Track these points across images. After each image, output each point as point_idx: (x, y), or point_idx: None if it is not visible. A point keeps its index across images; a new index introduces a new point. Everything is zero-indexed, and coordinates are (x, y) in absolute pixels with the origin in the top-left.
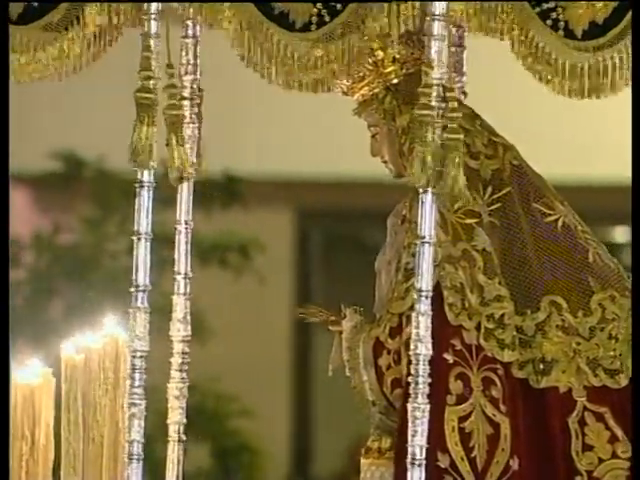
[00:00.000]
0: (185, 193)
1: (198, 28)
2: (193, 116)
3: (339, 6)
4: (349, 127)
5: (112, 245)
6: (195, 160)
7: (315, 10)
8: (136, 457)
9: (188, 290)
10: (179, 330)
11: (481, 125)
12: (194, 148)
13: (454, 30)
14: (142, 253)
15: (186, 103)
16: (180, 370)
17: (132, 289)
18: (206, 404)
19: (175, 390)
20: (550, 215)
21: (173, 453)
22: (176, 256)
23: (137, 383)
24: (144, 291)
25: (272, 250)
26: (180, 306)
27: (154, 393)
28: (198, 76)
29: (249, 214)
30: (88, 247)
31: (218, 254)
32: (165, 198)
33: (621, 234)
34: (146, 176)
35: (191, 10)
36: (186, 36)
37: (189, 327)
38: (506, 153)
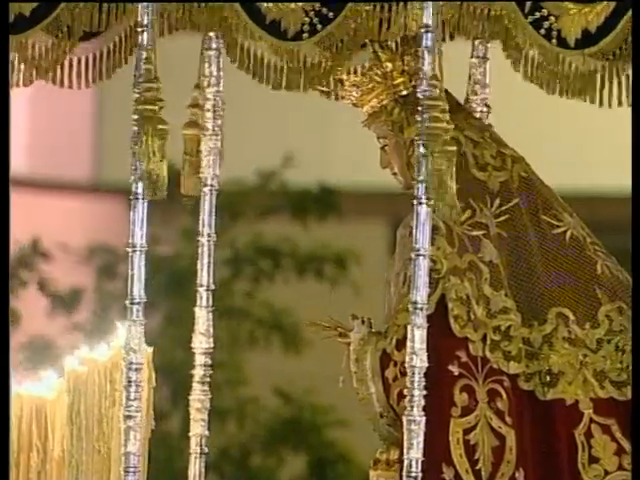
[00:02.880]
0: (207, 205)
1: (221, 41)
2: (216, 129)
3: (331, 14)
4: None
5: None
6: (218, 172)
7: (307, 19)
8: (132, 469)
9: (210, 302)
10: (201, 342)
11: (490, 137)
12: (217, 160)
13: (476, 42)
14: (137, 266)
15: (209, 115)
16: (202, 382)
17: (127, 302)
18: (303, 415)
19: (197, 402)
20: (558, 227)
21: (195, 466)
22: (198, 269)
23: (133, 395)
24: (139, 304)
25: (368, 261)
26: (202, 319)
27: (253, 404)
28: (221, 88)
29: (345, 225)
30: (185, 258)
31: (314, 265)
32: (263, 210)
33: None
34: (140, 188)
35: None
36: (209, 48)
37: (211, 339)
38: (515, 165)
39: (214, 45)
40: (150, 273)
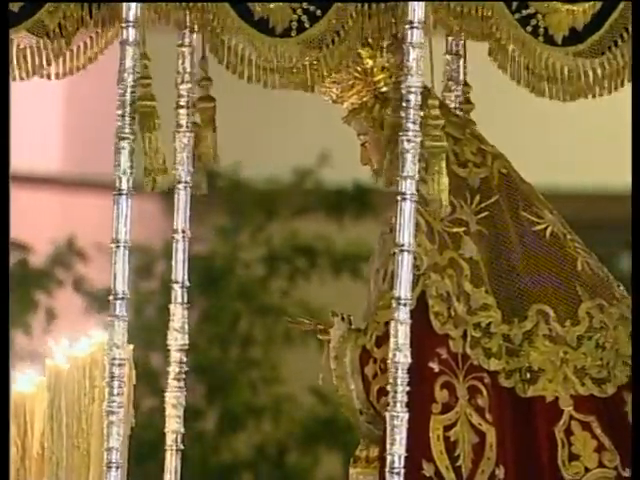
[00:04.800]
0: (182, 202)
1: (194, 36)
2: (189, 125)
3: (319, 12)
4: None
5: (245, 254)
6: (192, 169)
7: (295, 16)
8: (115, 464)
9: (185, 299)
10: (176, 339)
11: (471, 133)
12: (190, 157)
13: (450, 38)
14: (120, 262)
15: (182, 112)
16: (178, 379)
17: (111, 297)
18: (338, 414)
19: (173, 399)
20: (538, 224)
21: (171, 463)
22: (173, 265)
23: (116, 391)
24: (123, 299)
25: None
26: (177, 315)
27: (288, 402)
28: (194, 84)
29: (380, 224)
30: (221, 256)
31: (350, 264)
32: (298, 209)
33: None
34: (124, 184)
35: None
36: (182, 44)
37: (187, 336)
38: (495, 162)
39: (187, 41)
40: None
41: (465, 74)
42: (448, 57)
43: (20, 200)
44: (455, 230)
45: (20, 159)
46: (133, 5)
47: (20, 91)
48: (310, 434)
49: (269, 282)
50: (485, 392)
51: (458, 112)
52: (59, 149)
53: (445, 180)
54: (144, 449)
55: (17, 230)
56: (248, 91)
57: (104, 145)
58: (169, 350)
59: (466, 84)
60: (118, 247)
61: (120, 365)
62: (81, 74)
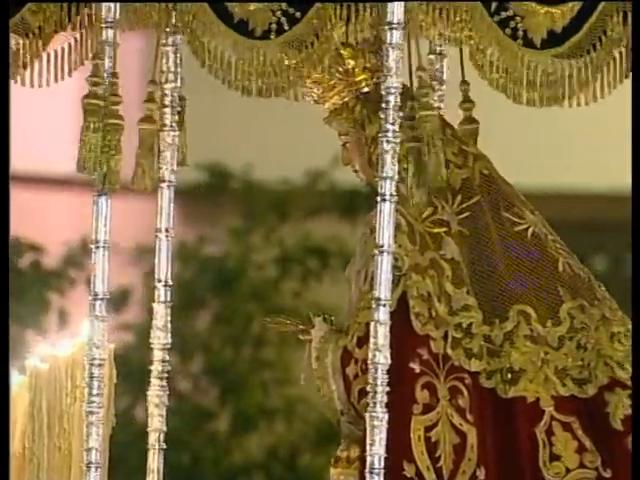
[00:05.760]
0: (165, 201)
1: (178, 36)
2: (173, 124)
3: (298, 14)
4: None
5: (258, 256)
6: (175, 168)
7: (274, 18)
8: (94, 465)
9: (168, 298)
10: (159, 338)
11: (452, 134)
12: (174, 156)
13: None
14: (100, 262)
15: (167, 111)
16: (160, 378)
17: (90, 298)
18: None
19: (155, 398)
20: (520, 224)
21: (153, 462)
22: (156, 264)
23: (95, 391)
24: (102, 300)
25: None
26: (160, 314)
27: (301, 403)
28: (179, 84)
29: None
30: (234, 258)
31: None
32: (311, 210)
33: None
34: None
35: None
36: (166, 44)
37: (169, 335)
38: (476, 162)
39: (171, 40)
40: (199, 273)
41: (463, 73)
42: (432, 57)
43: (33, 201)
44: (436, 231)
45: (33, 160)
46: (112, 6)
47: (33, 93)
48: (323, 436)
49: (282, 283)
50: (466, 393)
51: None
52: (72, 150)
53: (426, 179)
54: None
55: (30, 231)
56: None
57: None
58: (184, 352)
59: (464, 82)
60: (98, 247)
61: (100, 365)
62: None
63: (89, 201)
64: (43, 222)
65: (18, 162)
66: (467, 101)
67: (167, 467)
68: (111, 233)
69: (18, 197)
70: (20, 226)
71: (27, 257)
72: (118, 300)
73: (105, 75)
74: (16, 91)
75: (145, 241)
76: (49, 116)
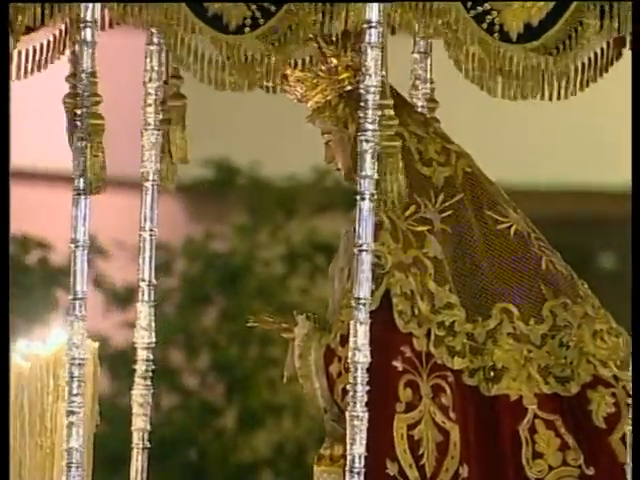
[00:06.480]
0: (149, 199)
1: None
2: (157, 123)
3: (273, 8)
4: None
5: (265, 252)
6: (159, 167)
7: (249, 12)
8: (75, 465)
9: (152, 297)
10: (143, 337)
11: (434, 132)
12: (158, 155)
13: (417, 37)
14: (79, 262)
15: (150, 110)
16: (144, 377)
17: (70, 297)
18: None
19: (139, 397)
20: (503, 222)
21: (137, 461)
22: (140, 263)
23: (75, 391)
24: (82, 299)
25: None
26: (144, 313)
27: (307, 400)
28: (162, 82)
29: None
30: (240, 255)
31: None
32: (318, 207)
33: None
34: (82, 184)
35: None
36: (150, 43)
37: (153, 334)
38: (459, 160)
39: (155, 40)
40: (205, 269)
41: (430, 72)
42: (415, 56)
43: (40, 198)
44: (419, 229)
45: (40, 157)
46: (91, 5)
47: (39, 90)
48: None
49: (288, 280)
50: (449, 391)
51: (423, 111)
52: None
53: (401, 178)
54: (165, 447)
55: (37, 228)
56: (268, 88)
57: (122, 144)
58: (190, 349)
59: (430, 82)
60: (77, 247)
61: (80, 365)
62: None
63: (97, 198)
64: (51, 219)
65: (27, 159)
66: (431, 100)
67: (175, 463)
68: (117, 230)
69: (26, 194)
70: (28, 223)
71: (34, 254)
72: (124, 297)
73: (85, 75)
74: (29, 87)
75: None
76: (53, 114)
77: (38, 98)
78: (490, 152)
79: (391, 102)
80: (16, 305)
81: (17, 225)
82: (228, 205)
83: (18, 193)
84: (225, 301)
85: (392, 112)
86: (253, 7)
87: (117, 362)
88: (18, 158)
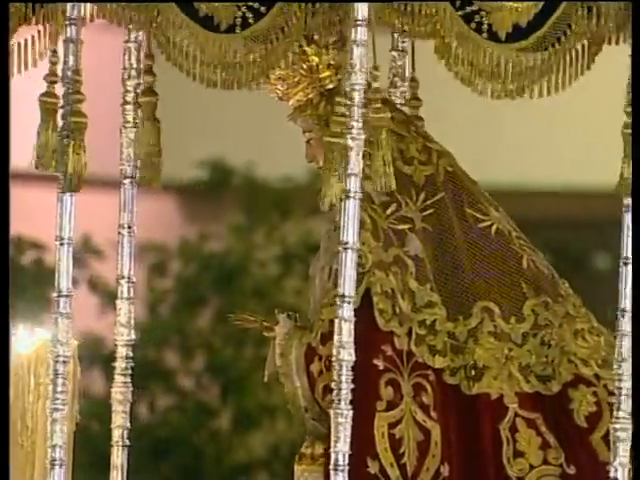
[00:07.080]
0: (129, 197)
1: (141, 33)
2: (137, 121)
3: (263, 9)
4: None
5: (260, 253)
6: (139, 164)
7: (240, 13)
8: (58, 462)
9: (132, 294)
10: (122, 334)
11: (416, 131)
12: (136, 152)
13: (395, 35)
14: (64, 258)
15: (128, 107)
16: (124, 375)
17: (54, 294)
18: None
19: (119, 395)
20: (484, 221)
21: (117, 458)
22: (119, 260)
23: (60, 388)
24: (67, 296)
25: None
26: (124, 310)
27: None
28: (141, 80)
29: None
30: (235, 255)
31: None
32: (312, 208)
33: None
34: (67, 182)
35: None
36: (128, 40)
37: (133, 331)
38: (440, 159)
39: (133, 37)
40: (200, 270)
41: (413, 70)
42: (394, 54)
43: (35, 199)
44: (400, 227)
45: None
46: (76, 3)
47: (36, 91)
48: None
49: (284, 281)
50: (430, 389)
51: (404, 109)
52: None
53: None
54: (160, 447)
55: (32, 229)
56: (263, 89)
57: (117, 145)
58: (186, 350)
59: (414, 80)
60: (62, 244)
61: (64, 362)
62: (88, 74)
63: (92, 199)
64: (46, 220)
65: (21, 160)
66: (415, 99)
67: (170, 464)
68: (113, 231)
69: (20, 195)
70: (22, 224)
71: (29, 255)
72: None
73: (69, 73)
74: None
75: (147, 237)
76: None
77: (32, 99)
78: (484, 153)
79: (379, 96)
80: (11, 305)
81: (12, 226)
82: (223, 206)
83: (13, 194)
84: (220, 302)
85: (379, 105)
86: (243, 8)
87: (112, 362)
88: (13, 159)
